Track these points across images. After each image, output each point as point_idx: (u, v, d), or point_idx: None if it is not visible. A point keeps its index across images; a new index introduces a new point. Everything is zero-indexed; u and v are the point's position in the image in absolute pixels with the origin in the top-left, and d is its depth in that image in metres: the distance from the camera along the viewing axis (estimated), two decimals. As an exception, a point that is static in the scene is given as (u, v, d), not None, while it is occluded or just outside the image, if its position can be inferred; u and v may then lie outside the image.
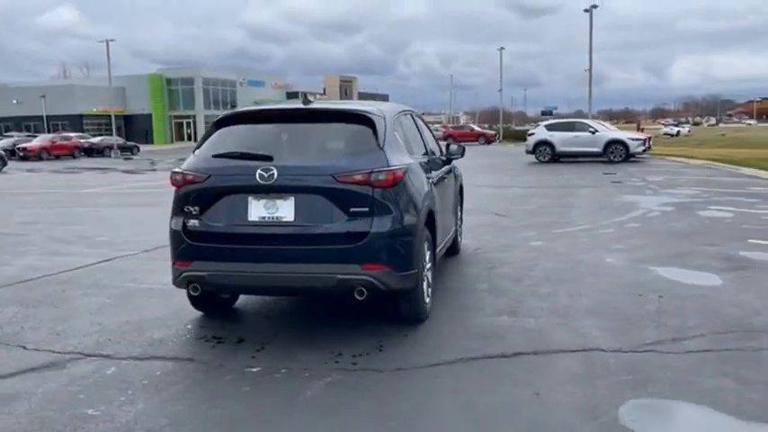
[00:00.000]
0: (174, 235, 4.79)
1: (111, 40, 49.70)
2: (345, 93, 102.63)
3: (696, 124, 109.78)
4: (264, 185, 4.49)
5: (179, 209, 4.78)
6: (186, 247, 4.70)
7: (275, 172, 4.46)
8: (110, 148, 47.07)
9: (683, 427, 3.49)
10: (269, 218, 4.54)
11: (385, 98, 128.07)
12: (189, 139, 71.96)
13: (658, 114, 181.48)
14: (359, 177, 4.45)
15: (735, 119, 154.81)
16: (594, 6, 36.24)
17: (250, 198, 4.57)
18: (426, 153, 6.01)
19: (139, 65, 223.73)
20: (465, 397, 3.75)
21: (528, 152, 26.53)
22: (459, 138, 50.78)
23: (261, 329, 5.08)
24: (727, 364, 4.15)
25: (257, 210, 4.56)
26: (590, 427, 3.35)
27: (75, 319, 5.42)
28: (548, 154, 25.61)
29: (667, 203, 12.23)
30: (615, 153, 24.36)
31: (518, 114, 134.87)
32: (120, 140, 50.46)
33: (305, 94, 5.19)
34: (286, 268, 4.49)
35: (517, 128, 64.84)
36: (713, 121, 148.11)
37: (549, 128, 26.40)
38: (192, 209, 4.70)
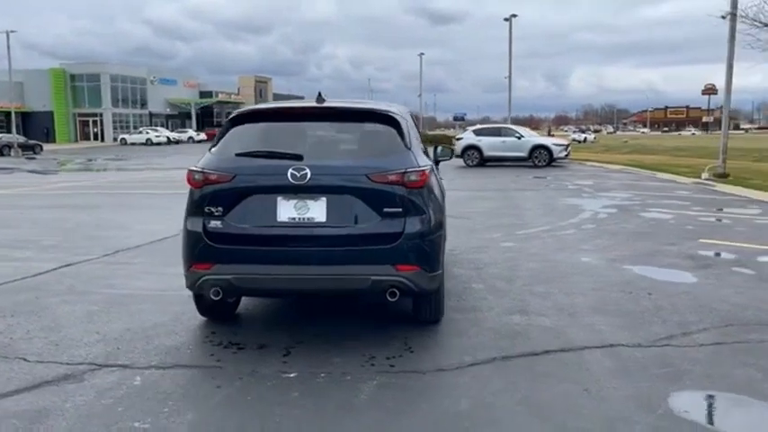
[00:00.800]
0: (192, 237, 4.56)
1: (12, 32, 46.63)
2: (260, 94, 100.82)
3: (597, 131, 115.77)
4: (296, 185, 4.36)
5: (198, 209, 4.56)
6: (207, 249, 4.49)
7: (308, 172, 4.34)
8: (9, 146, 44.12)
9: (736, 416, 3.68)
10: (299, 219, 4.41)
11: (300, 99, 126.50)
12: (95, 138, 68.57)
13: (561, 121, 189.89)
14: (393, 177, 4.41)
15: (630, 127, 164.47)
16: (514, 15, 37.56)
17: (279, 198, 4.43)
18: (426, 154, 6.04)
19: (32, 59, 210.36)
20: (520, 394, 3.80)
21: (456, 156, 27.09)
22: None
23: (277, 334, 4.91)
24: (742, 355, 4.42)
25: (287, 210, 4.42)
26: (652, 418, 3.48)
27: (67, 328, 5.06)
28: (476, 158, 26.30)
29: (608, 206, 12.84)
30: (540, 158, 25.34)
31: (428, 120, 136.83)
32: (22, 139, 47.40)
33: (319, 93, 5.06)
34: (318, 270, 4.38)
35: (430, 132, 65.92)
36: (611, 129, 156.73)
37: (477, 133, 27.12)
38: (214, 209, 4.49)
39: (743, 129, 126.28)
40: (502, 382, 3.97)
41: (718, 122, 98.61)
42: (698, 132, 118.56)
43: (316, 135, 4.82)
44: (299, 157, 4.44)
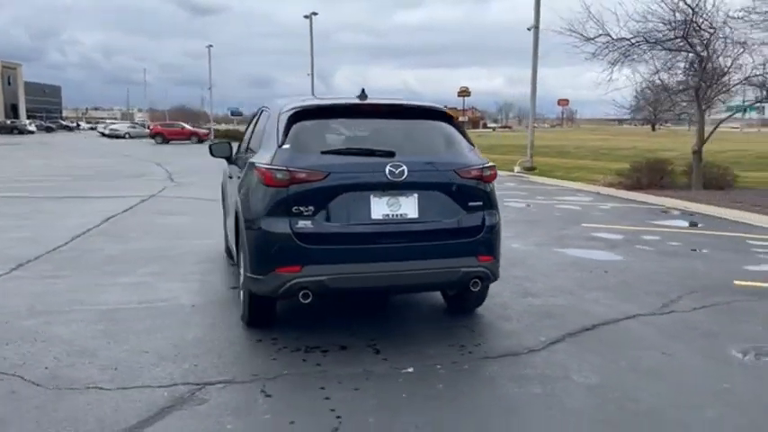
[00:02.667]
0: (275, 238, 4.33)
1: None
2: (9, 81, 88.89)
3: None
4: (391, 182, 4.39)
5: (281, 209, 4.34)
6: (296, 250, 4.30)
7: (405, 168, 4.39)
8: None
9: (781, 358, 4.60)
10: (392, 215, 4.44)
11: (57, 90, 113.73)
12: None
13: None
14: (475, 173, 4.65)
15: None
16: (315, 13, 38.15)
17: (372, 196, 4.41)
18: None
19: None
20: (620, 362, 4.31)
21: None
22: (169, 136, 48.57)
23: (341, 334, 4.82)
24: (730, 314, 5.44)
25: (380, 207, 4.42)
26: (737, 363, 4.25)
27: (101, 350, 4.45)
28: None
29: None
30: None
31: (201, 115, 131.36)
32: None
33: (362, 89, 5.01)
34: (411, 266, 4.45)
35: (219, 127, 64.10)
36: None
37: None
38: (303, 209, 4.32)
39: (490, 127, 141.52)
40: (592, 355, 4.46)
41: (472, 122, 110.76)
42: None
43: (386, 132, 4.83)
44: (391, 154, 4.46)
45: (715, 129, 15.98)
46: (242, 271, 4.88)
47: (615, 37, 14.41)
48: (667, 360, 4.38)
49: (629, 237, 9.18)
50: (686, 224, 10.76)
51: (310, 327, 5.02)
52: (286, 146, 4.50)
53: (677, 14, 14.06)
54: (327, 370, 4.17)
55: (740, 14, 13.83)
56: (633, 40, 14.37)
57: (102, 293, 5.94)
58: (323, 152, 4.47)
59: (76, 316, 5.23)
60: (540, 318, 5.28)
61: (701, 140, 14.98)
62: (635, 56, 14.60)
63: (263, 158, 4.59)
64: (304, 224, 4.32)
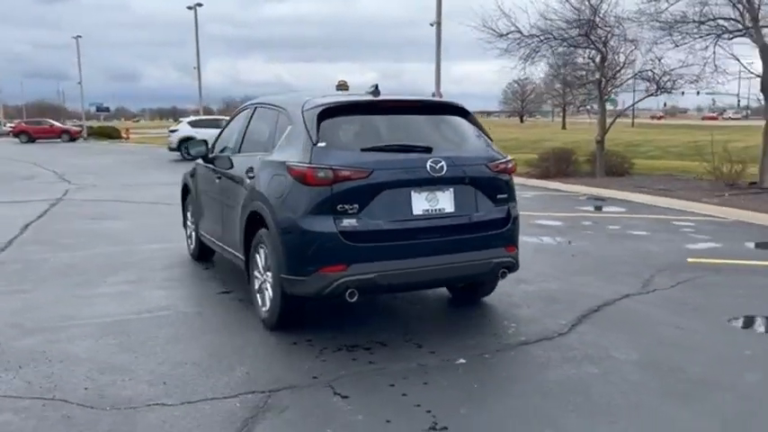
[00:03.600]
0: (319, 238, 4.26)
1: None
2: None
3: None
4: (432, 178, 4.44)
5: (324, 208, 4.27)
6: (342, 249, 4.25)
7: (444, 164, 4.46)
8: None
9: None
10: (431, 210, 4.50)
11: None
12: None
13: (207, 113, 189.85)
14: (502, 166, 4.81)
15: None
16: (199, 5, 36.72)
17: (412, 191, 4.44)
18: None
19: None
20: (644, 339, 4.65)
21: (171, 149, 25.85)
22: (36, 134, 44.94)
23: (373, 332, 4.81)
24: (704, 289, 6.00)
25: (420, 203, 4.46)
26: (740, 331, 4.73)
27: (138, 365, 4.18)
28: (195, 151, 25.41)
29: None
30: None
31: (59, 110, 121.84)
32: None
33: (376, 85, 4.98)
34: (450, 259, 4.54)
35: (92, 124, 60.16)
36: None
37: (194, 124, 26.22)
38: (348, 207, 4.27)
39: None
40: (615, 334, 4.77)
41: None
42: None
43: (415, 128, 4.85)
44: (428, 150, 4.52)
45: (614, 120, 17.31)
46: (267, 274, 4.75)
47: (526, 33, 15.17)
48: (683, 333, 4.78)
49: (569, 223, 9.77)
50: (613, 209, 11.57)
51: (337, 326, 4.97)
52: (321, 144, 4.42)
53: (581, 14, 15.05)
54: (384, 367, 4.17)
55: (632, 16, 15.05)
56: (542, 37, 15.21)
57: (89, 306, 5.51)
58: (363, 149, 4.44)
59: (78, 331, 4.83)
60: (547, 303, 5.55)
61: (603, 131, 16.16)
62: (545, 52, 15.47)
63: (293, 157, 4.48)
64: (349, 222, 4.28)
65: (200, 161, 6.74)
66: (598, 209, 11.65)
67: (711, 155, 14.08)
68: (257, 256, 4.96)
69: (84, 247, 8.05)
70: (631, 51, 15.78)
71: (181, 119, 29.41)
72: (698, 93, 19.96)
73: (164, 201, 12.38)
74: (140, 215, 10.78)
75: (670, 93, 15.62)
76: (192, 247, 7.24)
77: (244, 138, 5.71)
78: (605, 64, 15.50)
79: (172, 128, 26.86)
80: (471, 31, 15.90)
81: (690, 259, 7.21)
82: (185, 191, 7.44)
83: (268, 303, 4.82)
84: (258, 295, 5.01)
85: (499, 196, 4.79)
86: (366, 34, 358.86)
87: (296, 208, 4.35)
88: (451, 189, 4.57)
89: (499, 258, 4.75)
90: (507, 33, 15.18)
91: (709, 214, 10.62)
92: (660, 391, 3.80)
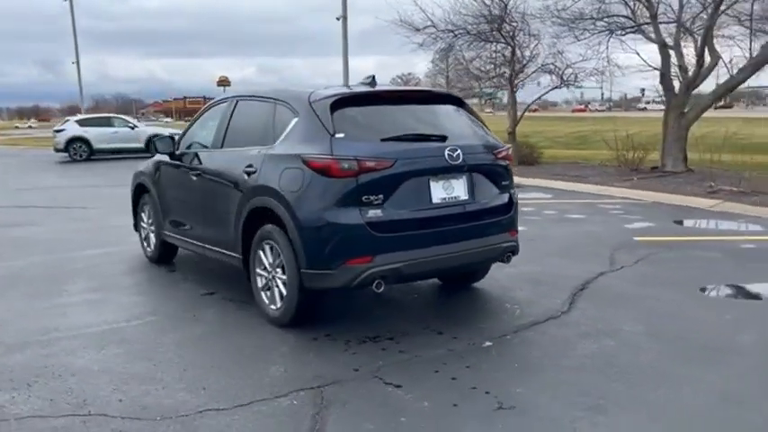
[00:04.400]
0: (346, 230, 4.21)
1: None
2: None
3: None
4: (449, 166, 4.51)
5: (352, 199, 4.22)
6: (369, 240, 4.23)
7: (460, 152, 4.54)
8: None
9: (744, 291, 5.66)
10: (448, 198, 4.56)
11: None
12: None
13: (75, 111, 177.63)
14: (504, 153, 4.96)
15: (153, 117, 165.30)
16: (77, -4, 34.38)
17: (431, 180, 4.48)
18: None
19: None
20: (638, 312, 4.95)
21: (58, 150, 24.13)
22: None
23: (389, 322, 4.83)
24: (663, 264, 6.50)
25: (438, 191, 4.52)
26: (717, 300, 5.19)
27: (162, 373, 3.95)
28: (84, 151, 23.90)
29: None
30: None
31: None
32: None
33: (372, 76, 4.95)
34: (466, 245, 4.63)
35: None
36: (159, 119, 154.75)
37: (82, 123, 24.57)
38: (373, 198, 4.25)
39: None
40: (612, 309, 5.06)
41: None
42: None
43: (424, 117, 4.87)
44: (444, 138, 4.57)
45: (524, 112, 18.13)
46: (278, 270, 4.64)
47: (442, 29, 15.54)
48: (667, 304, 5.16)
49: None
50: (540, 195, 12.13)
51: (347, 319, 4.93)
52: (339, 135, 4.36)
53: (491, 9, 15.62)
54: (419, 354, 4.20)
55: (536, 12, 15.84)
56: (456, 32, 15.64)
57: (63, 317, 5.10)
58: (382, 139, 4.42)
59: (70, 344, 4.48)
60: (534, 285, 5.79)
61: (514, 122, 16.90)
62: (458, 46, 15.92)
63: (309, 149, 4.38)
64: (374, 213, 4.26)
65: (162, 158, 6.41)
66: (526, 195, 12.18)
67: (615, 142, 15.11)
68: (261, 253, 4.81)
69: (14, 256, 7.40)
70: (535, 46, 16.59)
71: (68, 117, 27.37)
72: (601, 87, 21.46)
73: (76, 204, 11.66)
74: (59, 220, 10.03)
75: (573, 86, 16.57)
76: (151, 250, 6.86)
77: (226, 133, 5.49)
78: (514, 58, 16.19)
79: (57, 127, 25.01)
80: (360, 24, 15.97)
81: (636, 238, 7.75)
82: (139, 191, 7.03)
83: (278, 301, 4.70)
84: (263, 293, 4.87)
85: (503, 183, 4.95)
86: (244, 29, 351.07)
87: (318, 201, 4.27)
88: (464, 177, 4.66)
89: (506, 242, 4.91)
90: (424, 28, 15.48)
91: (627, 197, 11.44)
92: (678, 357, 4.11)
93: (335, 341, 4.45)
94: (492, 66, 17.18)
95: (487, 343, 4.39)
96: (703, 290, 5.58)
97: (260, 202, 4.71)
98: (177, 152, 6.12)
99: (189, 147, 6.09)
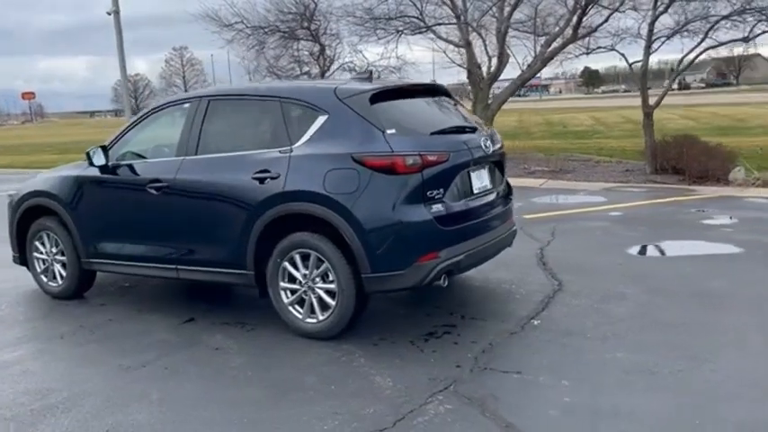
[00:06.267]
0: (416, 228, 4.09)
1: None
2: None
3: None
4: (485, 155, 4.61)
5: (419, 195, 4.09)
6: (436, 236, 4.16)
7: (490, 142, 4.66)
8: None
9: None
10: (482, 188, 4.65)
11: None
12: None
13: None
14: (502, 143, 5.18)
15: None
16: None
17: (470, 171, 4.52)
18: None
19: None
20: (606, 284, 5.42)
21: None
22: None
23: (424, 314, 4.77)
24: (572, 235, 7.31)
25: (476, 181, 4.57)
26: (651, 258, 6.07)
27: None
28: None
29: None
30: None
31: None
32: None
33: (370, 71, 4.70)
34: (498, 232, 4.77)
35: None
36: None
37: None
38: (435, 192, 4.18)
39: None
40: (595, 277, 5.61)
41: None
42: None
43: (440, 110, 4.83)
44: (474, 130, 4.65)
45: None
46: (316, 281, 4.33)
47: (252, 24, 15.02)
48: (638, 265, 5.89)
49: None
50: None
51: (375, 320, 4.75)
52: (391, 131, 4.17)
53: (297, 7, 15.58)
54: (476, 341, 4.29)
55: (336, 11, 16.21)
56: (267, 29, 15.27)
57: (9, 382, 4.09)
58: (432, 133, 4.36)
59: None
60: (504, 281, 5.84)
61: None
62: (270, 43, 15.54)
63: (357, 147, 4.12)
64: (437, 208, 4.20)
65: (80, 173, 5.38)
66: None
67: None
68: (288, 264, 4.39)
69: None
70: (337, 45, 16.98)
71: None
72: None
73: None
74: None
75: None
76: (59, 283, 5.67)
77: (200, 137, 4.82)
78: (324, 56, 16.38)
79: None
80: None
81: (525, 216, 8.51)
82: (29, 216, 5.76)
83: (319, 313, 4.35)
84: (293, 308, 4.45)
85: (504, 171, 5.17)
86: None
87: (383, 200, 4.06)
88: (488, 166, 4.78)
89: (514, 227, 5.15)
90: (234, 23, 14.85)
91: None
92: (697, 307, 4.79)
93: (395, 344, 4.31)
94: (296, 64, 17.13)
95: (518, 327, 4.52)
96: (642, 252, 6.45)
97: (290, 209, 4.30)
98: (111, 164, 5.18)
99: (124, 157, 5.22)
